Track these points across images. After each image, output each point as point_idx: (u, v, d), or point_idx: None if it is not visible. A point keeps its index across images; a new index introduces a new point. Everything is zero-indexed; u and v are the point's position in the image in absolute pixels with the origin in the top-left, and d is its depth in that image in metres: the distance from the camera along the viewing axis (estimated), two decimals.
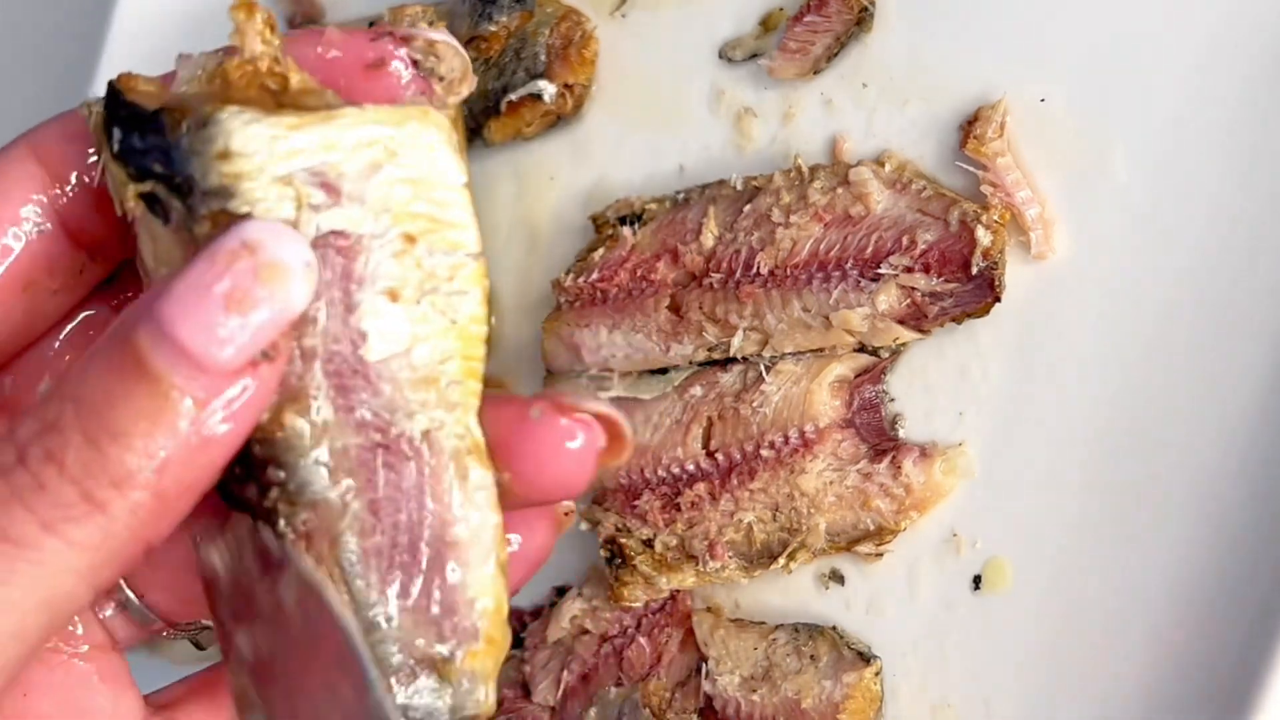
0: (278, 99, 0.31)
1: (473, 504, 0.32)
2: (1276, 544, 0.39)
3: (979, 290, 0.43)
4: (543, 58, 0.51)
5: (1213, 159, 0.41)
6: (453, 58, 0.33)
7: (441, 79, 0.33)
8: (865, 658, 0.45)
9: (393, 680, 0.31)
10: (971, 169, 0.44)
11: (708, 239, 0.48)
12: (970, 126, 0.44)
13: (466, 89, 0.33)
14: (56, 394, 0.28)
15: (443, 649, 0.31)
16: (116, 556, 0.28)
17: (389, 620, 0.31)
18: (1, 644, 0.27)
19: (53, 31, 0.68)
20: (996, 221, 0.43)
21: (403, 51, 0.32)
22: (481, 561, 0.32)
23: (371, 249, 0.30)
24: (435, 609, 0.31)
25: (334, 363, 0.30)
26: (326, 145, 0.30)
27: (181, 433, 0.28)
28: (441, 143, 0.31)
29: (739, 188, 0.48)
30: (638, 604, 0.49)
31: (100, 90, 0.32)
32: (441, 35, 0.33)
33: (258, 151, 0.29)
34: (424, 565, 0.31)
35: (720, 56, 0.50)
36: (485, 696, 0.32)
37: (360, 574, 0.31)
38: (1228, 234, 0.41)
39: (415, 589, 0.31)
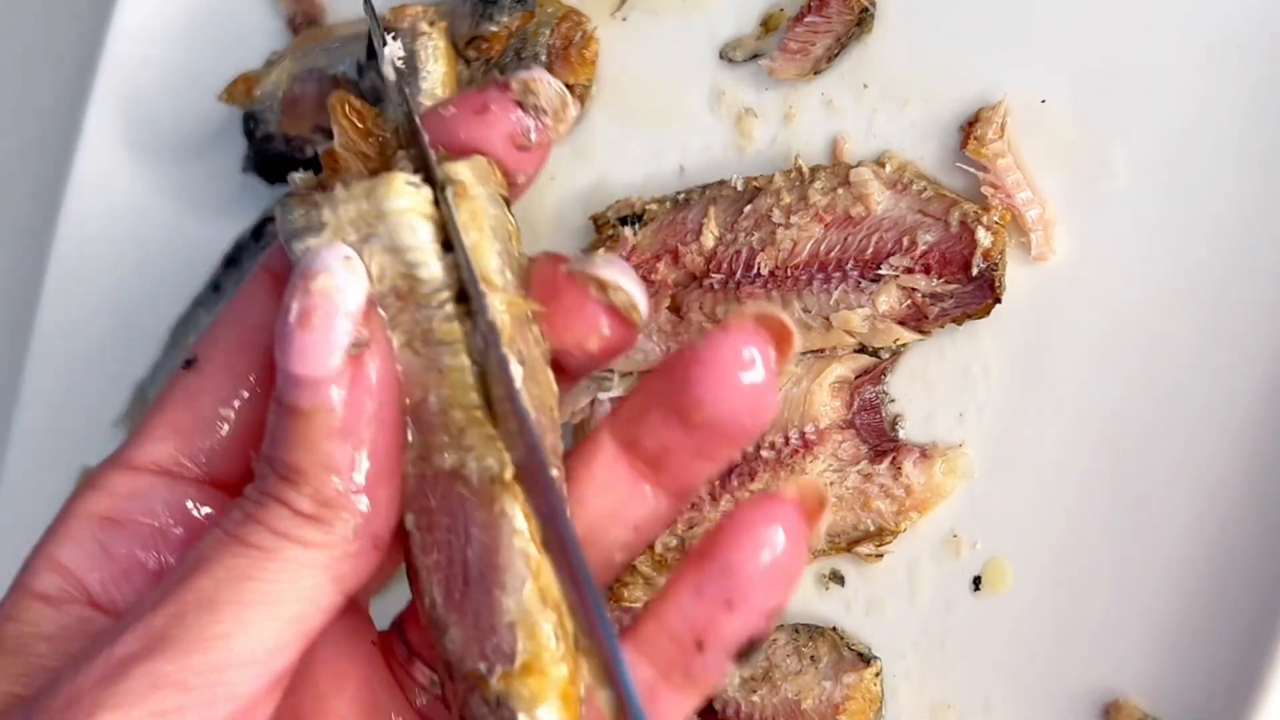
0: (369, 165, 0.36)
1: (502, 533, 0.33)
2: (1276, 544, 0.39)
3: (979, 291, 0.43)
4: (543, 58, 0.51)
5: (1214, 160, 0.41)
6: (546, 89, 0.36)
7: (544, 111, 0.36)
8: (865, 658, 0.45)
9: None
10: (972, 170, 0.44)
11: (708, 239, 0.48)
12: (971, 127, 0.44)
13: (569, 116, 0.37)
14: (260, 457, 0.35)
15: (481, 666, 0.34)
16: (345, 554, 0.34)
17: (449, 630, 0.35)
18: (271, 638, 0.33)
19: (53, 31, 0.68)
20: (997, 223, 0.43)
21: (504, 94, 0.37)
22: (517, 588, 0.33)
23: (384, 307, 0.34)
24: (478, 627, 0.34)
25: None
26: (333, 224, 0.34)
27: (334, 432, 0.33)
28: (407, 207, 0.34)
29: (739, 188, 0.48)
30: (638, 604, 0.49)
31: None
32: (536, 72, 0.37)
33: (292, 230, 0.35)
34: (468, 585, 0.34)
35: (721, 57, 0.50)
36: None
37: (427, 582, 0.35)
38: (1228, 235, 0.41)
39: (465, 605, 0.34)
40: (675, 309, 0.48)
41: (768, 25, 0.49)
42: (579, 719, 0.34)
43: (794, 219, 0.46)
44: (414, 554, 0.36)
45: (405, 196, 0.34)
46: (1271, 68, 0.41)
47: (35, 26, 0.69)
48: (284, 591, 0.33)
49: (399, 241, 0.34)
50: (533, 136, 0.36)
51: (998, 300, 0.43)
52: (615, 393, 0.49)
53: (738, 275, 0.47)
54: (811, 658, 0.46)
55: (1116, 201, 0.43)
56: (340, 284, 0.33)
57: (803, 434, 0.46)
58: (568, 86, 0.51)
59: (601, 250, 0.35)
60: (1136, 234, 0.42)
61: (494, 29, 0.51)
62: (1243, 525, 0.40)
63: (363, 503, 0.34)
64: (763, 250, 0.46)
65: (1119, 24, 0.43)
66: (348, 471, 0.33)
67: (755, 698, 0.46)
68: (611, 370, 0.49)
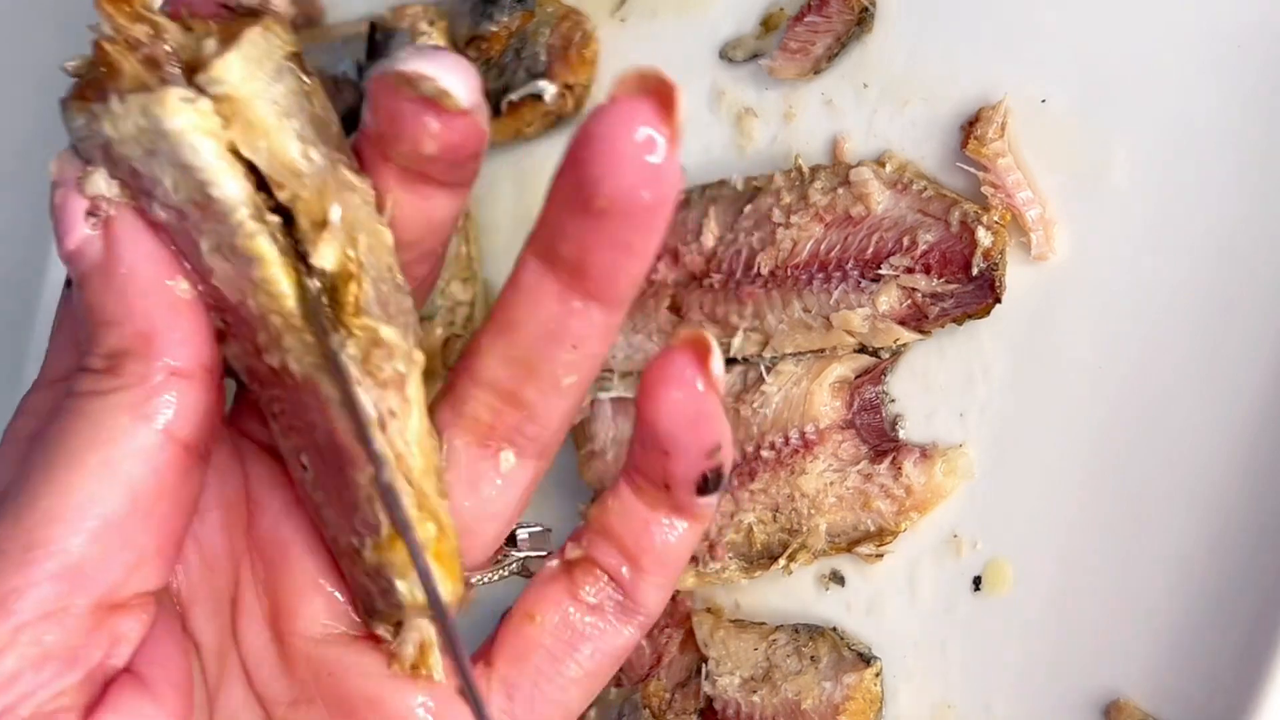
0: (143, 55, 0.33)
1: (333, 418, 0.34)
2: (1277, 544, 0.39)
3: (979, 291, 0.43)
4: (543, 58, 0.51)
5: (1214, 160, 0.41)
6: None
7: None
8: (865, 659, 0.45)
9: None
10: (972, 170, 0.44)
11: (708, 239, 0.48)
12: (971, 127, 0.44)
13: None
14: None
15: (355, 541, 0.35)
16: (145, 390, 0.34)
17: (323, 509, 0.36)
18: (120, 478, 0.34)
19: (53, 31, 0.68)
20: (997, 222, 0.43)
21: None
22: (362, 464, 0.34)
23: (188, 221, 0.33)
24: (343, 504, 0.35)
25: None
26: (115, 139, 0.32)
27: (102, 289, 0.34)
28: (184, 126, 0.32)
29: (739, 188, 0.48)
30: None
31: None
32: None
33: (76, 137, 0.34)
34: (326, 465, 0.35)
35: (721, 56, 0.50)
36: (401, 590, 0.35)
37: (293, 463, 0.36)
38: (1228, 235, 0.41)
39: (329, 485, 0.35)
40: (675, 309, 0.48)
41: (768, 25, 0.49)
42: (459, 571, 0.35)
43: (794, 219, 0.46)
44: (276, 438, 0.36)
45: (180, 115, 0.31)
46: (1271, 68, 0.40)
47: (35, 26, 0.69)
48: (85, 441, 0.34)
49: (183, 161, 0.32)
50: None
51: (998, 300, 0.43)
52: (615, 393, 0.49)
53: (738, 275, 0.47)
54: (811, 658, 0.46)
55: (1116, 201, 0.43)
56: (62, 164, 0.34)
57: (803, 434, 0.46)
58: (567, 86, 0.51)
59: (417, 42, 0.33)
60: (1136, 234, 0.42)
61: (494, 29, 0.51)
62: (1243, 525, 0.40)
63: (148, 338, 0.34)
64: (763, 250, 0.46)
65: (1119, 24, 0.43)
66: (125, 317, 0.34)
67: (755, 698, 0.46)
68: (611, 371, 0.49)
